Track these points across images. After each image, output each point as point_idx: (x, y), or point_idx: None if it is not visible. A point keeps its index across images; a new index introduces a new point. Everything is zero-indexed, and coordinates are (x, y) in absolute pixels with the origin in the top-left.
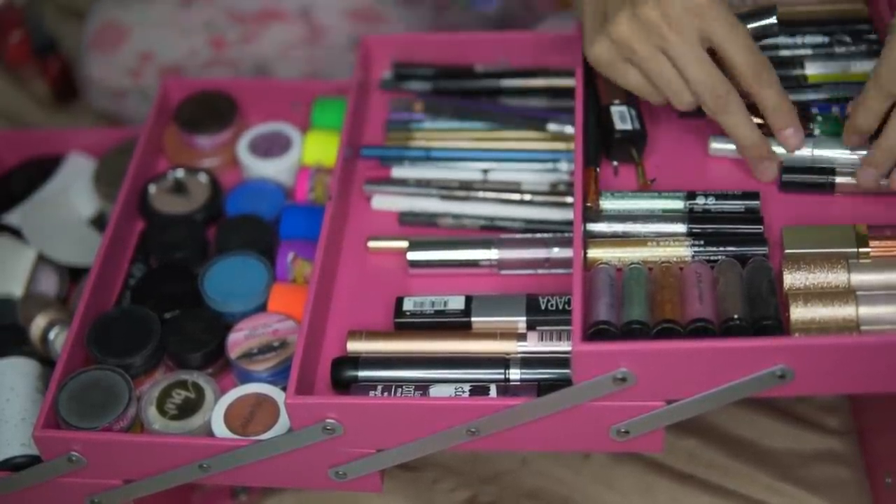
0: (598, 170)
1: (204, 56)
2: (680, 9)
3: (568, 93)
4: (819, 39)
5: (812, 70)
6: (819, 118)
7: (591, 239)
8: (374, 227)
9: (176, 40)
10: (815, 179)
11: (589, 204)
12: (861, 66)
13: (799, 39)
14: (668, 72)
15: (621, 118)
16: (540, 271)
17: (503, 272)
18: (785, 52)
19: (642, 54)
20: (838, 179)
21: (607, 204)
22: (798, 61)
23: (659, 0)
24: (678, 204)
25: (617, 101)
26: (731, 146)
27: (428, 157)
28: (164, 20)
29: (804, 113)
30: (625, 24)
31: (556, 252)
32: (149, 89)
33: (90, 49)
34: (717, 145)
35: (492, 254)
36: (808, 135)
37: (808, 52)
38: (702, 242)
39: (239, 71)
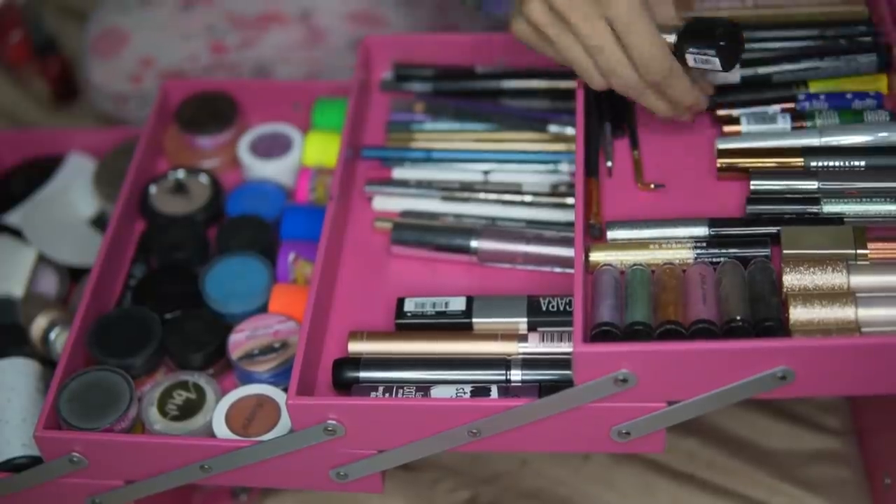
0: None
1: (204, 60)
2: None
3: (568, 94)
4: (818, 42)
5: (810, 72)
6: (819, 112)
7: (593, 242)
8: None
9: (176, 45)
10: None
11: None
12: (860, 67)
13: (798, 42)
14: (578, 53)
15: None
16: (544, 269)
17: (501, 265)
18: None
19: (553, 37)
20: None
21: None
22: (796, 60)
23: None
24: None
25: None
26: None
27: (429, 158)
28: (164, 25)
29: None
30: (537, 7)
31: (553, 250)
32: (149, 94)
33: (91, 54)
34: (723, 146)
35: (473, 242)
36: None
37: (809, 66)
38: (704, 245)
39: (239, 75)
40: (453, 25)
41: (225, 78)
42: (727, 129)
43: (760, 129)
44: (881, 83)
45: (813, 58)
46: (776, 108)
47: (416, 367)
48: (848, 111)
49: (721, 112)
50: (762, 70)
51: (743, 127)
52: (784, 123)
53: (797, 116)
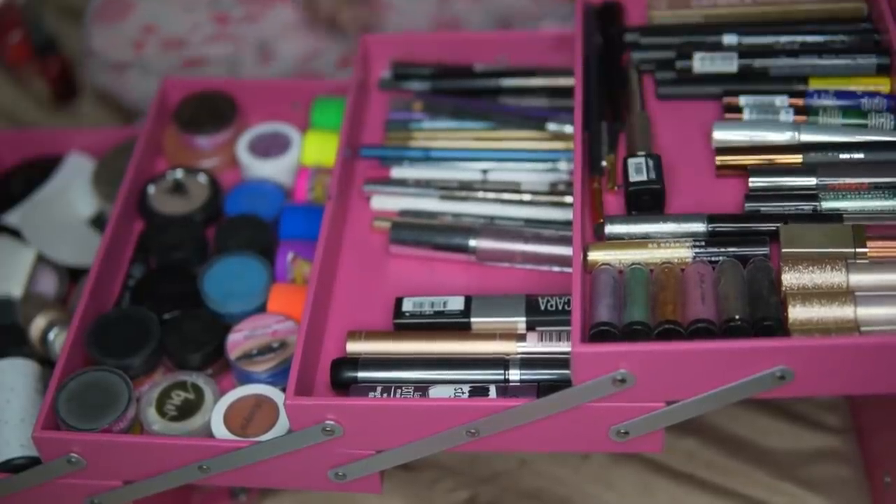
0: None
1: (207, 31)
2: None
3: (567, 92)
4: (818, 39)
5: (807, 69)
6: (821, 110)
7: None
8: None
9: (180, 14)
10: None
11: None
12: (860, 65)
13: (798, 38)
14: None
15: (637, 170)
16: (542, 268)
17: (500, 265)
18: (784, 51)
19: None
20: None
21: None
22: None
23: None
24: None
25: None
26: (735, 136)
27: (427, 157)
28: None
29: None
30: None
31: (552, 248)
32: (149, 63)
33: (94, 21)
34: (719, 135)
35: (472, 241)
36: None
37: (810, 61)
38: (703, 244)
39: (240, 48)
40: (456, 13)
41: (226, 52)
42: (728, 115)
43: (759, 120)
44: (881, 84)
45: (812, 55)
46: (783, 100)
47: (414, 367)
48: (856, 111)
49: (727, 99)
50: (759, 63)
51: (745, 116)
52: (787, 117)
53: (800, 111)
